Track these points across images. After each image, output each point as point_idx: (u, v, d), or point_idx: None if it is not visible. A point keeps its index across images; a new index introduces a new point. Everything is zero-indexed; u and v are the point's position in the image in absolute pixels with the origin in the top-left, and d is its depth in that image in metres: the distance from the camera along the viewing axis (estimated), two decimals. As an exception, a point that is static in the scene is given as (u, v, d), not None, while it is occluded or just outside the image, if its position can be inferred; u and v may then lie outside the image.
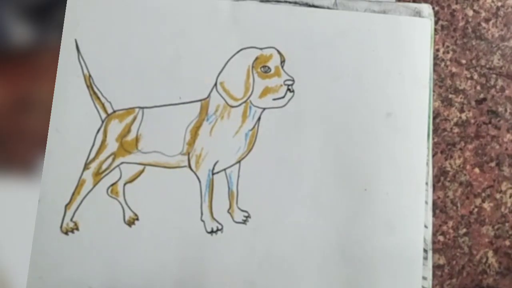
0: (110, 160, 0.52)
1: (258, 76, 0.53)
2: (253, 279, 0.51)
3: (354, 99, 0.53)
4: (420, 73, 0.54)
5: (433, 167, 0.55)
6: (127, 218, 0.52)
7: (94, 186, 0.52)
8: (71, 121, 0.53)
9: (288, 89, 0.53)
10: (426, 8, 0.55)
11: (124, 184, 0.52)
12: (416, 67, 0.54)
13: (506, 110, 0.57)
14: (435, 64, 0.56)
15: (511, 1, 0.58)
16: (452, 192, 0.56)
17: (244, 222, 0.52)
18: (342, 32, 0.54)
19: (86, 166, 0.52)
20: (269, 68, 0.53)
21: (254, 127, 0.52)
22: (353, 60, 0.54)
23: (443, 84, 0.57)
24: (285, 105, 0.53)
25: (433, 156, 0.55)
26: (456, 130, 0.56)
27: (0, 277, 0.52)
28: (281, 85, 0.53)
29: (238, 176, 0.52)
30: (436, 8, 0.57)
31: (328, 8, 0.54)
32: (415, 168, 0.53)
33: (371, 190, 0.52)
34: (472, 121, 0.56)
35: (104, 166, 0.52)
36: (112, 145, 0.52)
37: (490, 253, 0.55)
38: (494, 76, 0.57)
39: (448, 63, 0.57)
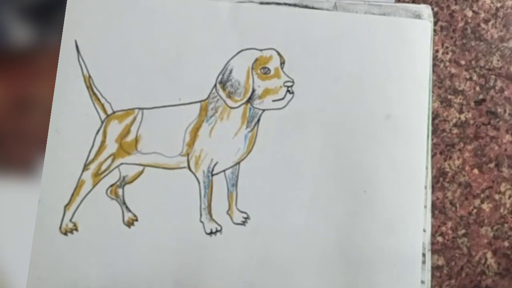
0: (109, 161, 0.52)
1: (257, 78, 0.53)
2: (252, 280, 0.51)
3: (353, 101, 0.53)
4: (420, 75, 0.54)
5: (432, 168, 0.55)
6: (126, 219, 0.52)
7: (94, 187, 0.52)
8: (70, 122, 0.53)
9: (288, 91, 0.53)
10: (426, 10, 0.55)
11: (124, 185, 0.52)
12: (416, 69, 0.54)
13: (505, 111, 0.57)
14: (434, 65, 0.56)
15: (510, 2, 0.58)
16: (451, 193, 0.56)
17: (243, 223, 0.52)
18: (342, 34, 0.54)
19: (85, 167, 0.52)
20: (268, 69, 0.53)
21: (253, 128, 0.53)
22: (352, 62, 0.54)
23: (442, 85, 0.57)
24: (284, 106, 0.53)
25: (432, 157, 0.55)
26: (455, 131, 0.56)
27: (0, 277, 0.52)
28: (281, 87, 0.53)
29: (238, 178, 0.52)
30: (436, 9, 0.57)
31: (328, 10, 0.54)
32: (414, 170, 0.53)
33: (370, 192, 0.52)
34: (471, 122, 0.56)
35: (103, 167, 0.52)
36: (112, 146, 0.52)
37: (489, 254, 0.55)
38: (493, 77, 0.57)
39: (447, 64, 0.57)
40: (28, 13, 0.55)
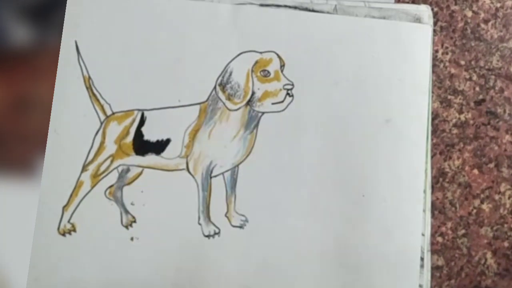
0: (108, 162, 0.52)
1: (257, 80, 0.53)
2: (249, 283, 0.51)
3: (353, 105, 0.53)
4: (420, 79, 0.54)
5: (432, 168, 0.55)
6: (124, 220, 0.52)
7: (92, 188, 0.52)
8: (70, 123, 0.53)
9: (288, 94, 0.52)
10: (426, 12, 0.55)
11: (122, 187, 0.52)
12: (416, 73, 0.54)
13: (505, 111, 0.57)
14: (434, 65, 0.56)
15: (510, 2, 0.58)
16: (451, 193, 0.56)
17: (242, 226, 0.52)
18: (341, 37, 0.54)
19: (84, 168, 0.52)
20: (268, 72, 0.53)
21: (252, 131, 0.52)
22: (352, 65, 0.54)
23: (442, 85, 0.57)
24: (284, 109, 0.53)
25: (432, 157, 0.55)
26: (455, 131, 0.56)
27: (0, 277, 0.52)
28: (281, 90, 0.52)
29: (236, 180, 0.52)
30: (435, 9, 0.57)
31: (328, 13, 0.54)
32: (413, 174, 0.53)
33: (369, 196, 0.52)
34: (471, 122, 0.56)
35: (102, 168, 0.52)
36: (111, 147, 0.52)
37: (489, 254, 0.55)
38: (493, 77, 0.57)
39: (447, 64, 0.57)
40: (28, 13, 0.55)
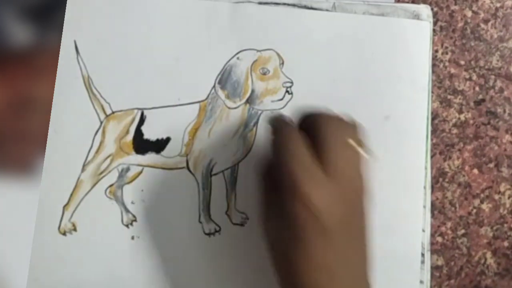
0: (108, 161, 0.52)
1: (256, 78, 0.53)
2: (250, 280, 0.51)
3: (352, 102, 0.53)
4: (419, 75, 0.54)
5: (432, 168, 0.55)
6: (125, 219, 0.52)
7: (92, 187, 0.52)
8: (69, 122, 0.53)
9: (287, 91, 0.52)
10: (425, 11, 0.55)
11: (122, 186, 0.52)
12: (415, 70, 0.54)
13: (504, 111, 0.57)
14: (433, 65, 0.56)
15: (510, 2, 0.58)
16: (450, 193, 0.56)
17: (242, 224, 0.52)
18: (340, 35, 0.54)
19: (84, 167, 0.52)
20: (268, 70, 0.53)
21: (252, 129, 0.52)
22: (351, 62, 0.54)
23: (442, 85, 0.57)
24: (283, 107, 0.53)
25: (432, 157, 0.55)
26: (454, 131, 0.56)
27: (0, 278, 0.52)
28: (280, 87, 0.53)
29: (236, 178, 0.52)
30: (435, 9, 0.57)
31: (327, 10, 0.54)
32: (413, 171, 0.53)
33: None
34: (471, 122, 0.56)
35: (102, 167, 0.52)
36: (111, 147, 0.52)
37: (489, 254, 0.55)
38: (493, 77, 0.57)
39: (447, 64, 0.57)
40: (28, 13, 0.55)
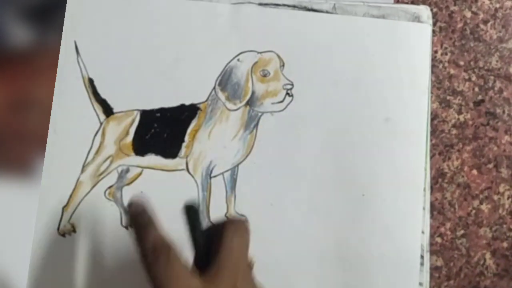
0: (108, 162, 0.52)
1: (257, 80, 0.53)
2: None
3: (352, 104, 0.53)
4: (419, 78, 0.54)
5: (431, 168, 0.55)
6: (124, 221, 0.52)
7: (92, 188, 0.52)
8: (69, 123, 0.53)
9: (287, 93, 0.52)
10: (425, 12, 0.55)
11: (122, 187, 0.52)
12: (415, 71, 0.54)
13: (504, 112, 0.57)
14: (433, 66, 0.56)
15: (509, 3, 0.58)
16: (450, 193, 0.56)
17: (242, 226, 0.52)
18: (341, 37, 0.54)
19: (83, 169, 0.52)
20: (268, 72, 0.53)
21: (252, 131, 0.52)
22: (352, 64, 0.54)
23: (441, 86, 0.57)
24: (284, 109, 0.53)
25: (431, 157, 0.55)
26: (454, 131, 0.56)
27: (0, 278, 0.52)
28: (280, 89, 0.53)
29: (236, 180, 0.52)
30: (435, 10, 0.57)
31: (327, 12, 0.54)
32: (413, 172, 0.53)
33: (369, 195, 0.52)
34: (470, 122, 0.56)
35: (102, 169, 0.52)
36: (110, 148, 0.52)
37: (488, 255, 0.55)
38: (492, 77, 0.57)
39: (446, 64, 0.57)
40: (28, 14, 0.55)
